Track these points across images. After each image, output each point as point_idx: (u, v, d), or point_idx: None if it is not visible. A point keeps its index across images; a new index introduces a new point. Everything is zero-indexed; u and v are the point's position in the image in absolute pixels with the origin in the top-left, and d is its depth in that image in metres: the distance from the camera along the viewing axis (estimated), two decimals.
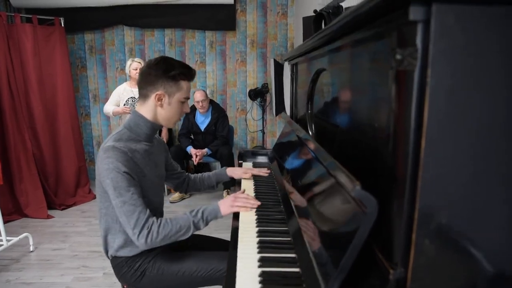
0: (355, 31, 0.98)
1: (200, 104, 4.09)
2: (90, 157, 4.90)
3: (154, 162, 1.57)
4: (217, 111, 4.22)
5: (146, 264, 1.51)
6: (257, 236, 1.28)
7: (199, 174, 1.87)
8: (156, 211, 1.57)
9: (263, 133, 4.78)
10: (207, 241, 1.78)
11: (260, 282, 1.02)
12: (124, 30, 4.70)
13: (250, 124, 4.94)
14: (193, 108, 4.27)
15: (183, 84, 1.48)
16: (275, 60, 4.29)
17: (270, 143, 4.93)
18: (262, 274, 1.05)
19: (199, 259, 1.51)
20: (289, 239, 1.25)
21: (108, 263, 2.81)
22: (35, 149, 3.86)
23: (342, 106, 1.18)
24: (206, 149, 4.09)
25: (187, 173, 1.88)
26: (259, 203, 1.49)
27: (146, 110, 1.49)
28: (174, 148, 4.23)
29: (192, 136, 4.34)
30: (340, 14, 1.49)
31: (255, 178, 1.86)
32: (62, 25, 4.15)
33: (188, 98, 1.52)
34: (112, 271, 1.59)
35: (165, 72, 1.44)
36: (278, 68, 4.29)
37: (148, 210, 1.36)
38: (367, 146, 0.94)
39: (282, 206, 1.52)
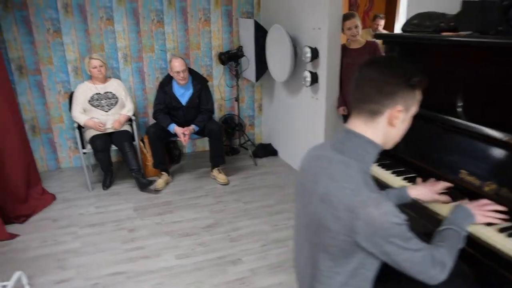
0: None
1: (181, 75, 3.48)
2: None
3: None
4: (199, 81, 3.66)
5: None
6: None
7: None
8: None
9: (238, 100, 4.36)
10: None
11: None
12: None
13: (218, 91, 4.46)
14: (169, 79, 3.62)
15: (418, 94, 1.16)
16: (256, 22, 3.83)
17: (240, 110, 4.54)
18: None
19: None
20: None
21: (143, 284, 2.32)
22: None
23: None
24: (193, 126, 3.57)
25: None
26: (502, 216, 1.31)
27: (375, 131, 1.14)
28: (152, 128, 3.59)
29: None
30: None
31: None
32: None
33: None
34: None
35: (407, 80, 1.10)
36: (259, 31, 3.86)
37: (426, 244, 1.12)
38: None
39: None
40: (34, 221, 3.11)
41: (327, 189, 1.09)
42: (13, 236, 2.88)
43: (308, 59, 3.33)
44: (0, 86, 3.08)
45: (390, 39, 1.99)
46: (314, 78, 3.39)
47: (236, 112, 4.54)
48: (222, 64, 4.29)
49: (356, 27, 3.21)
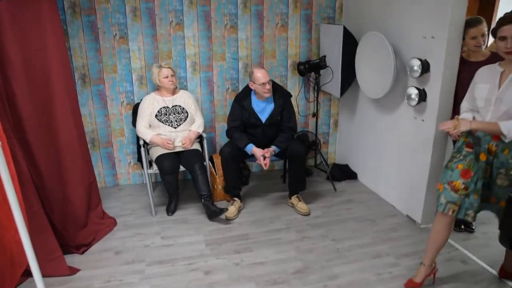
0: None
1: (268, 86, 3.03)
2: None
3: None
4: (282, 95, 3.19)
5: None
6: None
7: None
8: None
9: (316, 116, 3.86)
10: None
11: None
12: None
13: (294, 105, 3.96)
14: (247, 93, 3.17)
15: None
16: (345, 28, 3.32)
17: (317, 128, 4.02)
18: None
19: None
20: None
21: None
22: (30, 168, 2.47)
23: None
24: (273, 147, 3.10)
25: None
26: None
27: None
28: (227, 148, 3.13)
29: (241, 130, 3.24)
30: None
31: None
32: None
33: None
34: None
35: None
36: (349, 39, 3.35)
37: None
38: None
39: None
40: (95, 252, 2.73)
41: None
42: (74, 271, 2.50)
43: (417, 74, 2.78)
44: (68, 98, 2.74)
45: None
46: (422, 96, 2.83)
47: (310, 129, 4.04)
48: (301, 75, 3.81)
49: (482, 35, 2.63)
